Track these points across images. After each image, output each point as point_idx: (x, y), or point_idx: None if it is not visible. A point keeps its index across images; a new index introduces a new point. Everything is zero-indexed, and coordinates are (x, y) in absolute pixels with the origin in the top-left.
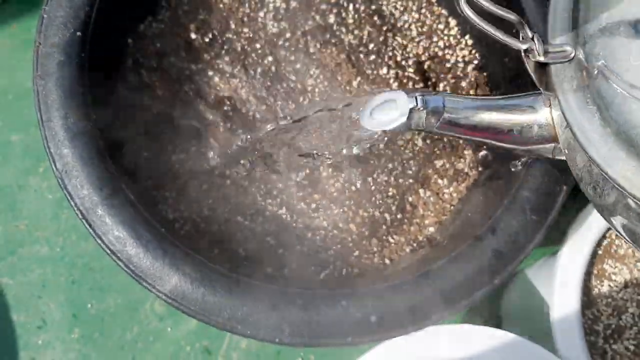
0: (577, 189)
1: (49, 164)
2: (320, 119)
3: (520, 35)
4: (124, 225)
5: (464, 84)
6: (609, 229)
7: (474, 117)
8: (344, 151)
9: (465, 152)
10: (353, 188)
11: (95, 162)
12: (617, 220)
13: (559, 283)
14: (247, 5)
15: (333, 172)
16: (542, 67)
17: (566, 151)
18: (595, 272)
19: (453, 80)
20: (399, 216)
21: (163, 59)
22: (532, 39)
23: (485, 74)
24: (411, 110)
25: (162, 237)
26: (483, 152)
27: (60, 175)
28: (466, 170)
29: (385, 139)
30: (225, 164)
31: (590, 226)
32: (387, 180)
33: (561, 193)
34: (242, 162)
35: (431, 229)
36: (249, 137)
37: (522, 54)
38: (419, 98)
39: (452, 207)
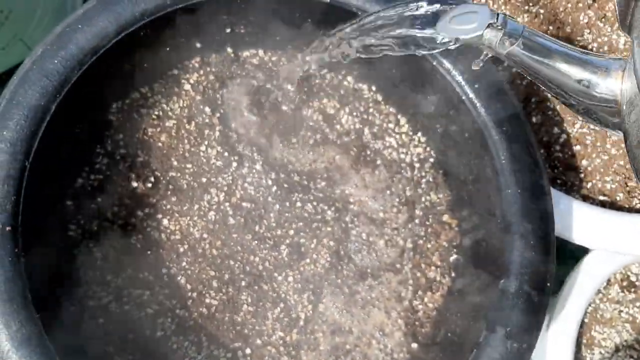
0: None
1: None
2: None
3: None
4: None
5: (423, 184)
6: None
7: (547, 58)
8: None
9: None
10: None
11: None
12: None
13: (551, 357)
14: (186, 141)
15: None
16: (630, 3)
17: (624, 108)
18: (584, 341)
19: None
20: None
21: (105, 216)
22: None
23: (442, 172)
24: (489, 25)
25: None
26: (454, 257)
27: None
28: (438, 278)
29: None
30: None
31: (576, 298)
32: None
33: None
34: None
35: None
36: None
37: None
38: (500, 16)
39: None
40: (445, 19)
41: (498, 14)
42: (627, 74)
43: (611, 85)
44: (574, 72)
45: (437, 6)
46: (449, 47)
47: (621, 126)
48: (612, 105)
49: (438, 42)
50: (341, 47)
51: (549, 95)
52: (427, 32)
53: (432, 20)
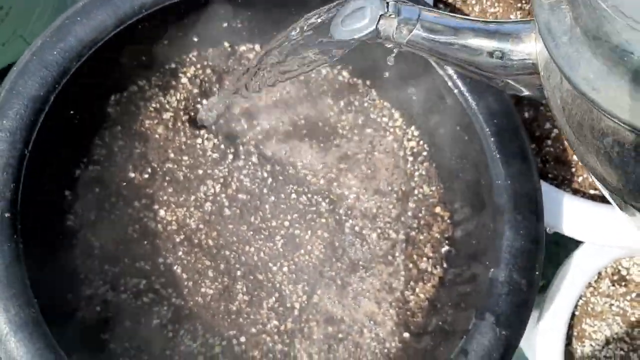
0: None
1: None
2: None
3: None
4: None
5: (416, 177)
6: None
7: (452, 36)
8: (305, 67)
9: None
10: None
11: (44, 354)
12: (586, 148)
13: (541, 351)
14: (182, 133)
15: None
16: None
17: (543, 74)
18: (575, 334)
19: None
20: None
21: (103, 206)
22: None
23: (434, 165)
24: (381, 17)
25: None
26: (446, 248)
27: None
28: (429, 269)
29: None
30: None
31: (567, 291)
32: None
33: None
34: None
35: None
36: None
37: None
38: (390, 4)
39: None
40: (336, 22)
41: (388, 2)
42: (538, 36)
43: (525, 50)
44: (484, 45)
45: (331, 12)
46: (350, 48)
47: (544, 94)
48: (531, 71)
49: (336, 49)
50: (258, 77)
51: None
52: (324, 41)
53: (327, 28)
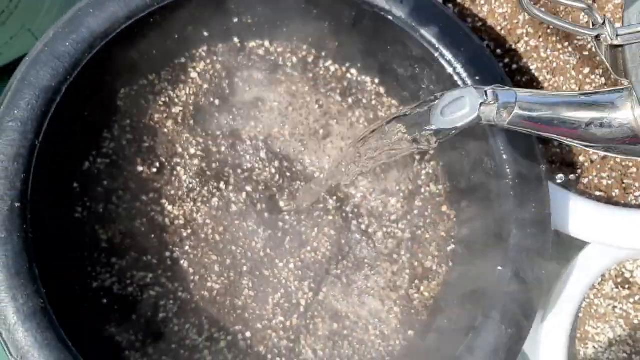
0: None
1: (4, 350)
2: None
3: (590, 22)
4: None
5: (423, 176)
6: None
7: (550, 113)
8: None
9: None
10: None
11: (52, 344)
12: None
13: (544, 352)
14: (190, 129)
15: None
16: (616, 52)
17: None
18: (578, 335)
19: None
20: None
21: (111, 199)
22: (603, 23)
23: (441, 163)
24: (482, 104)
25: None
26: (452, 247)
27: None
28: (434, 267)
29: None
30: None
31: (571, 292)
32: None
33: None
34: None
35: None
36: None
37: (594, 40)
38: (489, 92)
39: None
40: (436, 113)
41: (486, 91)
42: (635, 104)
43: (623, 117)
44: (582, 117)
45: (429, 104)
46: (451, 134)
47: None
48: (631, 135)
49: (439, 136)
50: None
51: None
52: (426, 132)
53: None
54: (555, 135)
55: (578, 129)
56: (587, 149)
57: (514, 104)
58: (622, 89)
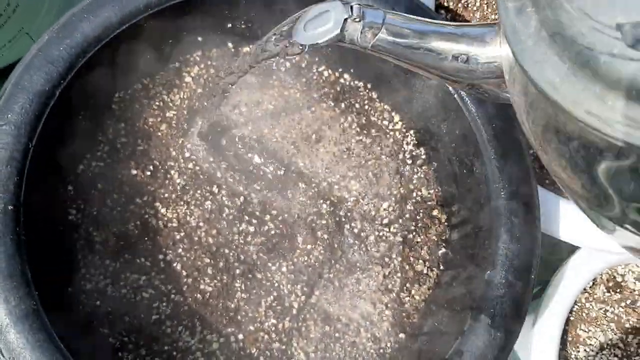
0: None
1: None
2: None
3: None
4: None
5: (415, 180)
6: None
7: (417, 40)
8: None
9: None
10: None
11: (44, 345)
12: (551, 153)
13: (536, 355)
14: (182, 132)
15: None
16: None
17: (508, 78)
18: (569, 339)
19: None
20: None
21: (105, 202)
22: None
23: (433, 168)
24: (346, 21)
25: None
26: (443, 250)
27: None
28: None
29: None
30: None
31: (562, 296)
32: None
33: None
34: None
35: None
36: None
37: None
38: (355, 7)
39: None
40: (299, 27)
41: (352, 6)
42: (503, 39)
43: (490, 54)
44: (449, 48)
45: (293, 17)
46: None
47: (509, 98)
48: (496, 76)
49: (298, 51)
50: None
51: None
52: (286, 44)
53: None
54: (419, 67)
55: (444, 60)
56: (451, 85)
57: (380, 25)
58: (494, 24)
